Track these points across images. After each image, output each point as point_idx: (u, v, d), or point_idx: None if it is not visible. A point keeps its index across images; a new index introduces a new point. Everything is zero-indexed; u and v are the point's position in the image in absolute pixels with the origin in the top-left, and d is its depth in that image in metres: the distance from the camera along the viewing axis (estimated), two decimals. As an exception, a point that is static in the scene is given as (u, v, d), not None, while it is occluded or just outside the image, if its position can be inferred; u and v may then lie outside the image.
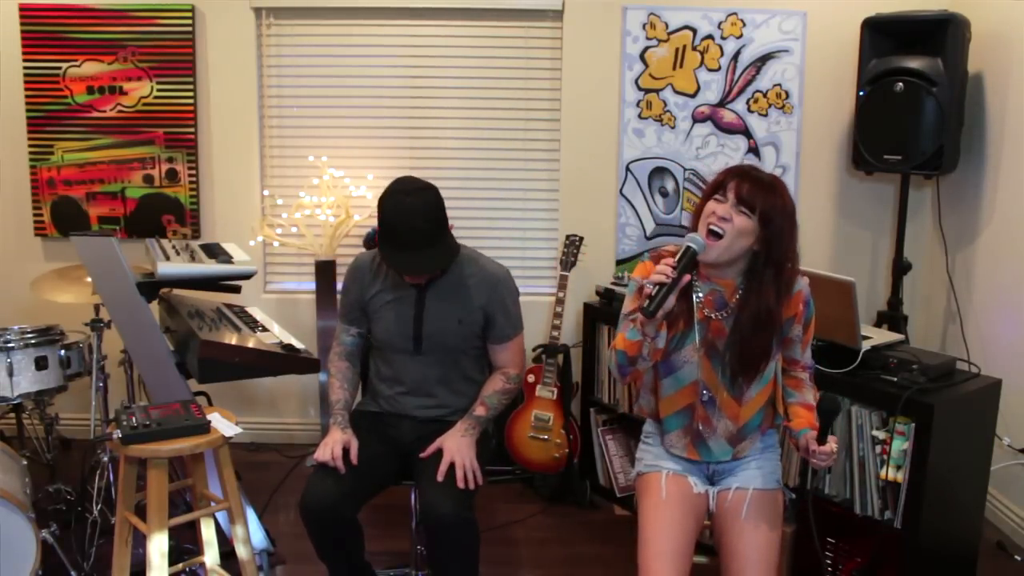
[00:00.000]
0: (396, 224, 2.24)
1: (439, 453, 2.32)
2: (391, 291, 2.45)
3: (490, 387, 2.46)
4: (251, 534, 2.52)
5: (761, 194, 1.88)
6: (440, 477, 2.23)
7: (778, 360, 2.06)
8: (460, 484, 2.23)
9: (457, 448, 2.29)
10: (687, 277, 1.86)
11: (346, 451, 2.30)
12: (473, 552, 2.28)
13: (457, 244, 2.39)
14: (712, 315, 1.98)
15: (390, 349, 2.48)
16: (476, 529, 2.25)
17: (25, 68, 3.83)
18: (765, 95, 3.83)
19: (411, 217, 2.23)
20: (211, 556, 2.51)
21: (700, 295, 1.99)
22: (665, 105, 3.85)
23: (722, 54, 3.80)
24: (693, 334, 1.99)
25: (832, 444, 1.89)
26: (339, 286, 3.71)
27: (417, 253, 2.25)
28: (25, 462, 2.82)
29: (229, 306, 2.95)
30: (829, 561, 2.65)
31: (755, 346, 1.94)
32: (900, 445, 2.38)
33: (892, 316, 3.56)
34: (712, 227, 1.89)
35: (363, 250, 3.73)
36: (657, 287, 1.83)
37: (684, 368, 2.02)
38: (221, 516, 2.64)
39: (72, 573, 2.65)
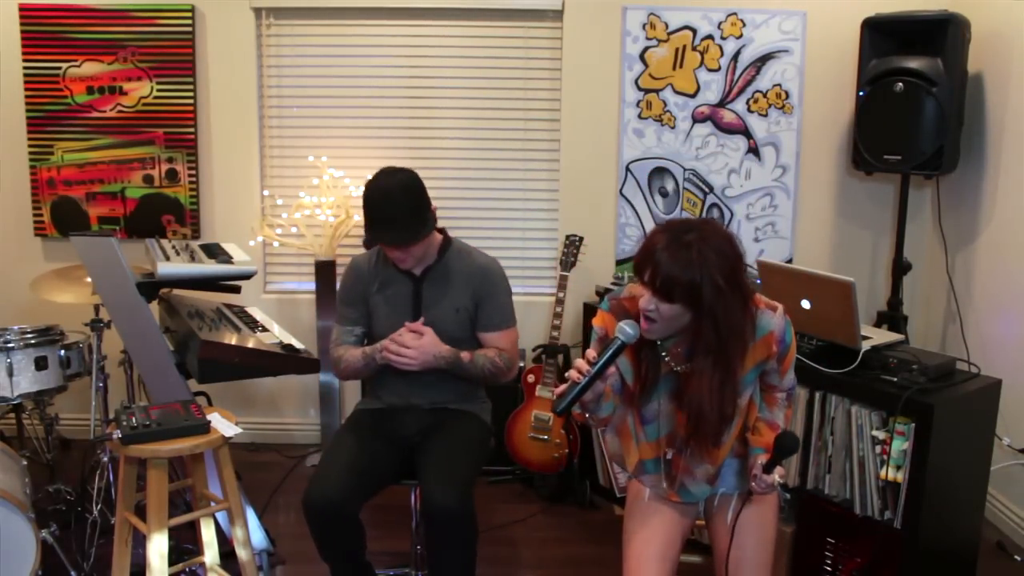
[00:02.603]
0: (374, 202, 2.33)
1: (437, 451, 2.36)
2: (388, 287, 2.49)
3: (482, 351, 2.49)
4: (251, 534, 2.52)
5: (678, 279, 1.67)
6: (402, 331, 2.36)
7: (754, 391, 1.98)
8: (391, 355, 2.34)
9: (429, 343, 2.36)
10: (612, 369, 1.74)
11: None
12: (471, 545, 2.29)
13: (436, 223, 2.43)
14: (679, 367, 1.87)
15: None
16: (475, 523, 2.27)
17: (25, 68, 3.83)
18: (765, 95, 3.83)
19: (387, 194, 2.32)
20: (211, 556, 2.51)
21: (665, 348, 1.88)
22: (665, 105, 3.86)
23: (722, 54, 3.80)
24: (662, 387, 1.90)
25: (775, 477, 1.83)
26: (339, 285, 3.75)
27: (395, 224, 2.32)
28: (25, 462, 2.82)
29: (229, 306, 2.95)
30: (829, 561, 2.65)
31: (703, 425, 1.84)
32: (900, 445, 2.38)
33: (892, 316, 3.56)
34: (645, 315, 1.75)
35: (362, 251, 3.75)
36: (570, 383, 1.72)
37: (659, 420, 1.95)
38: (221, 516, 2.64)
39: (72, 573, 2.65)
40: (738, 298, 1.75)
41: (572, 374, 1.73)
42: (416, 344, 2.36)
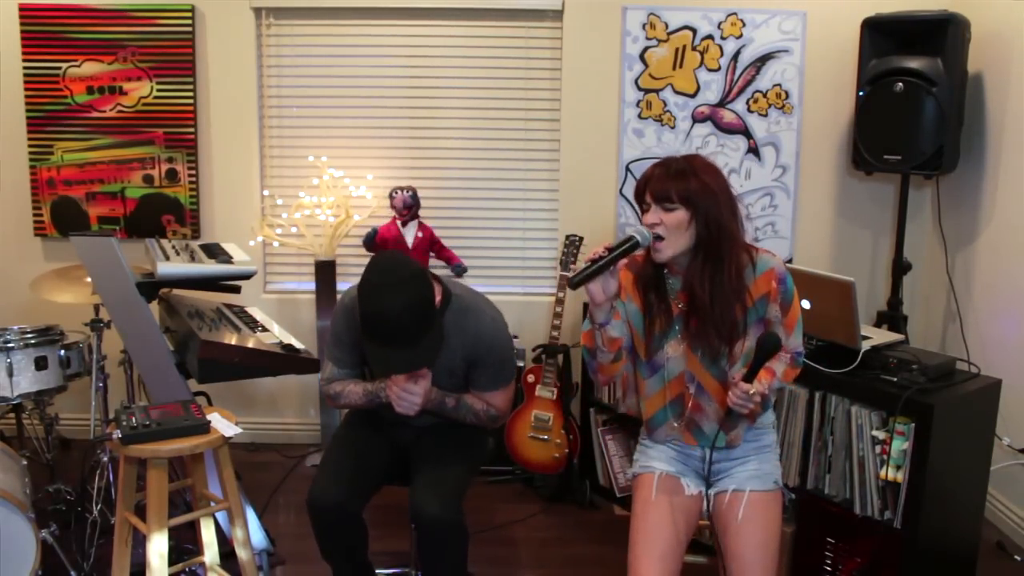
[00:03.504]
0: (377, 323, 2.07)
1: (428, 457, 2.34)
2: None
3: (471, 400, 2.40)
4: (251, 534, 2.52)
5: (673, 183, 1.90)
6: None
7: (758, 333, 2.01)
8: (394, 399, 2.25)
9: (429, 387, 2.27)
10: (624, 261, 1.91)
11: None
12: (460, 553, 2.27)
13: (440, 332, 2.20)
14: (687, 307, 1.99)
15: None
16: (463, 531, 2.25)
17: (25, 68, 3.83)
18: (765, 95, 3.83)
19: (391, 318, 2.05)
20: (211, 556, 2.51)
21: (674, 289, 2.01)
22: (665, 105, 3.86)
23: (722, 54, 3.80)
24: (673, 330, 2.00)
25: (753, 387, 1.85)
26: (339, 285, 3.77)
27: (399, 351, 2.10)
28: (25, 462, 2.82)
29: (229, 306, 2.95)
30: (829, 561, 2.65)
31: (713, 326, 1.93)
32: (900, 445, 2.38)
33: (892, 316, 3.56)
34: (653, 232, 1.92)
35: (362, 251, 3.75)
36: (587, 263, 1.85)
37: (668, 364, 2.02)
38: (221, 516, 2.64)
39: (72, 573, 2.65)
40: (728, 206, 1.92)
41: (589, 255, 1.86)
42: (422, 389, 2.26)
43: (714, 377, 2.00)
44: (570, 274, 1.89)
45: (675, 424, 2.07)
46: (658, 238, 1.91)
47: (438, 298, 2.23)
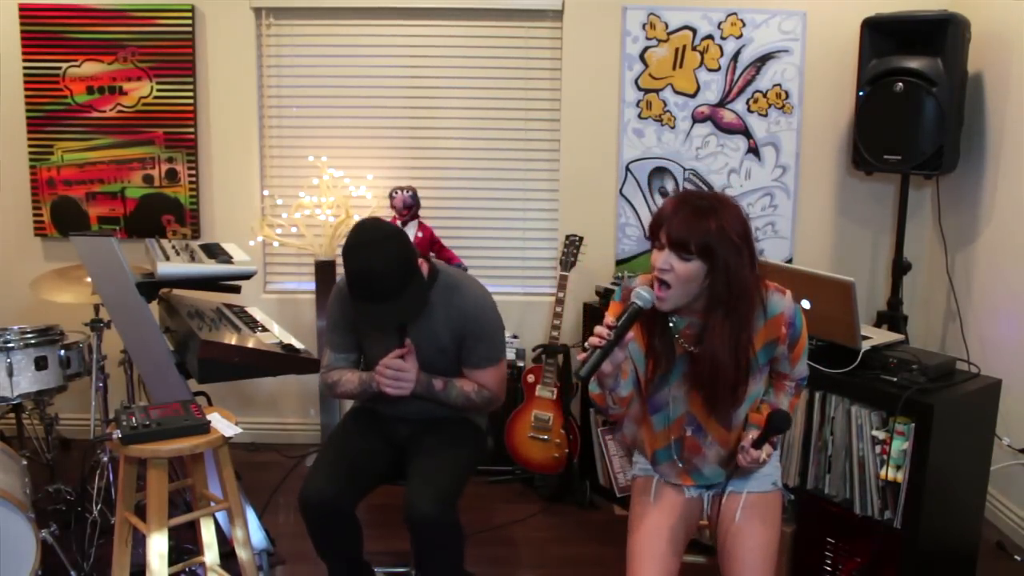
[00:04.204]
0: (359, 278, 2.17)
1: (424, 457, 2.34)
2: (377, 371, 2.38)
3: (460, 383, 2.40)
4: (251, 534, 2.52)
5: (695, 230, 1.73)
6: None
7: (764, 375, 2.00)
8: (384, 383, 2.25)
9: (414, 374, 2.28)
10: (630, 335, 1.79)
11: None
12: (455, 553, 2.27)
13: (426, 288, 2.30)
14: (692, 348, 1.90)
15: None
16: (457, 531, 2.25)
17: (25, 68, 3.83)
18: (765, 95, 3.83)
19: (374, 271, 2.14)
20: (211, 556, 2.51)
21: (677, 328, 1.92)
22: (665, 105, 3.86)
23: (722, 54, 3.80)
24: (676, 371, 1.94)
25: (763, 454, 1.88)
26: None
27: (383, 305, 2.18)
28: (25, 462, 2.82)
29: (229, 306, 2.95)
30: (829, 561, 2.65)
31: (720, 384, 1.86)
32: (900, 445, 2.38)
33: (892, 316, 3.56)
34: (659, 279, 1.79)
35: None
36: (591, 349, 1.75)
37: (670, 405, 1.99)
38: (221, 516, 2.64)
39: (72, 573, 2.65)
40: (748, 259, 1.79)
41: (593, 340, 1.76)
42: (413, 369, 2.27)
43: (716, 420, 1.97)
44: (578, 365, 1.82)
45: (676, 465, 2.05)
46: (664, 285, 1.79)
47: (425, 273, 2.31)
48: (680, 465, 2.04)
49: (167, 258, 2.70)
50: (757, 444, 1.88)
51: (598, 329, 1.76)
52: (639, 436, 2.12)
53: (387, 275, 2.15)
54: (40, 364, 3.07)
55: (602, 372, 1.81)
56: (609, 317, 1.79)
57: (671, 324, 1.91)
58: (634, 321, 1.78)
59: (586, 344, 1.78)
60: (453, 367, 2.41)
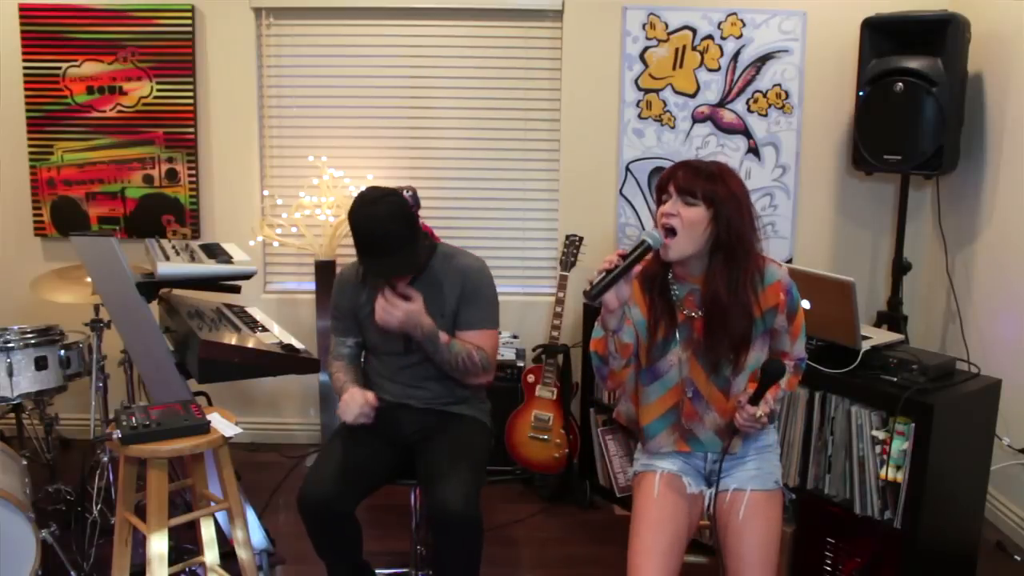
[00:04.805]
0: (363, 233, 2.29)
1: (440, 455, 2.35)
2: (376, 298, 2.43)
3: (462, 342, 2.42)
4: (251, 534, 2.52)
5: (700, 180, 1.89)
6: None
7: (766, 346, 2.04)
8: (378, 308, 2.31)
9: (416, 309, 2.32)
10: (637, 268, 1.88)
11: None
12: (478, 550, 2.30)
13: (430, 243, 2.45)
14: (693, 314, 1.99)
15: (383, 352, 2.50)
16: (482, 528, 2.27)
17: (25, 68, 3.83)
18: (765, 95, 3.83)
19: (376, 224, 2.27)
20: (211, 556, 2.51)
21: (679, 296, 2.00)
22: (665, 105, 3.86)
23: (722, 54, 3.80)
24: (675, 338, 2.00)
25: (760, 411, 1.90)
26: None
27: (387, 258, 2.29)
28: (25, 462, 2.82)
29: (229, 306, 2.95)
30: (829, 561, 2.65)
31: (727, 332, 1.94)
32: (900, 445, 2.38)
33: (892, 316, 3.56)
34: (664, 224, 1.90)
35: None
36: (602, 273, 1.84)
37: (670, 372, 2.03)
38: (221, 516, 2.64)
39: (72, 573, 2.65)
40: (748, 217, 1.92)
41: (603, 265, 1.84)
42: (406, 306, 2.32)
43: (716, 386, 2.00)
44: (587, 287, 1.88)
45: (672, 433, 2.07)
46: (670, 232, 1.90)
47: (425, 242, 2.44)
48: (675, 436, 2.06)
49: (167, 258, 2.70)
50: (754, 400, 1.91)
51: (609, 256, 1.85)
52: (632, 414, 2.15)
53: (388, 228, 2.26)
54: (40, 364, 3.07)
55: (609, 305, 1.87)
56: (620, 250, 1.88)
57: (673, 292, 1.99)
58: (643, 254, 1.86)
59: (597, 271, 1.85)
60: (453, 335, 2.46)
